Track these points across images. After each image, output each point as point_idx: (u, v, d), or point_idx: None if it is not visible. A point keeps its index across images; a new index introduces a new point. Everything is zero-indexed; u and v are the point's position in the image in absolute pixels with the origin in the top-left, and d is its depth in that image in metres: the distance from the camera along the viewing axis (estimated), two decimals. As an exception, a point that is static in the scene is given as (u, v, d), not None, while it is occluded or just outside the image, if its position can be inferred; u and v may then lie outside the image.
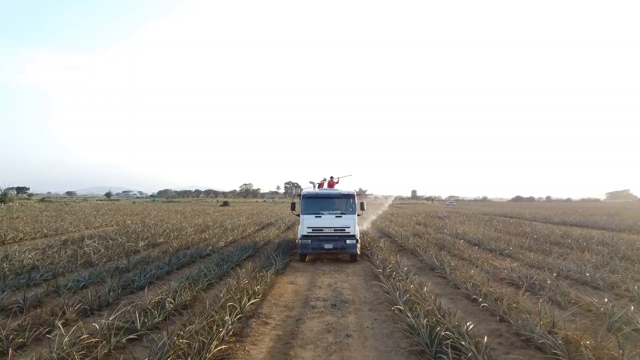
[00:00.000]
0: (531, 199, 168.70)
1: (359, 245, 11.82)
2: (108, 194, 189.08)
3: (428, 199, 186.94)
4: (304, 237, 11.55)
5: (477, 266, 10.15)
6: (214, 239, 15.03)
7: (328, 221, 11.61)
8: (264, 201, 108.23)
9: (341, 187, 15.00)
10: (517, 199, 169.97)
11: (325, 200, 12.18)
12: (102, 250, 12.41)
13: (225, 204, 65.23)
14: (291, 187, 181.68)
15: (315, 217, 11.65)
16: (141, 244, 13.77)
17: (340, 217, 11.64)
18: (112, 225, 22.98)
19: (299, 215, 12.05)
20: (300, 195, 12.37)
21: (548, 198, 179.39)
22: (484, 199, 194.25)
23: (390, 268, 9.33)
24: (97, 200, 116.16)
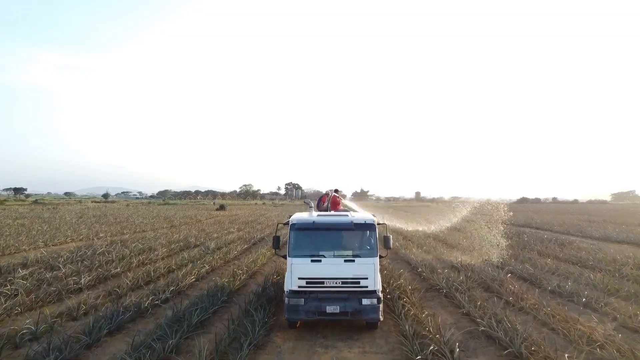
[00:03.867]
0: (537, 201, 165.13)
1: (381, 306, 7.39)
2: (105, 195, 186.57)
3: (432, 201, 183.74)
4: (294, 294, 7.35)
5: (555, 331, 6.84)
6: (185, 270, 11.57)
7: (332, 269, 7.39)
8: (263, 203, 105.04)
9: (351, 211, 11.31)
10: (523, 200, 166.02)
11: (329, 233, 7.82)
12: (21, 293, 8.99)
13: (222, 207, 61.85)
14: (292, 188, 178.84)
15: (312, 261, 7.40)
16: (85, 279, 10.40)
17: (353, 261, 7.38)
18: (79, 240, 19.67)
19: (284, 257, 7.77)
20: (288, 223, 7.96)
21: (554, 200, 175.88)
22: (488, 201, 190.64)
23: (429, 339, 6.09)
24: (92, 202, 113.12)
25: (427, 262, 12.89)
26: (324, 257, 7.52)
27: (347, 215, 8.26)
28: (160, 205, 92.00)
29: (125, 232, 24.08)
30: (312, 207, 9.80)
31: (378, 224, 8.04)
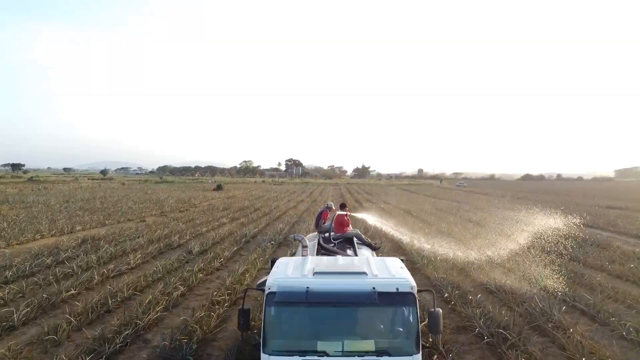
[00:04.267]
0: (541, 178, 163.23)
1: None
2: (104, 172, 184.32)
3: (434, 177, 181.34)
4: None
5: None
6: (153, 294, 9.19)
7: None
8: (263, 181, 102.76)
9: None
10: (527, 177, 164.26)
11: (334, 310, 4.56)
12: None
13: (219, 187, 59.59)
14: (292, 164, 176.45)
15: None
16: (21, 312, 8.08)
17: None
18: (50, 236, 17.40)
19: (256, 346, 5.13)
20: (263, 288, 4.79)
21: (559, 177, 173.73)
22: (492, 177, 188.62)
23: None
24: (89, 179, 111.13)
25: (450, 279, 10.47)
26: (326, 354, 4.36)
27: (364, 274, 4.76)
28: (157, 183, 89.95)
29: (107, 222, 21.85)
30: (305, 246, 6.80)
31: (419, 291, 4.71)
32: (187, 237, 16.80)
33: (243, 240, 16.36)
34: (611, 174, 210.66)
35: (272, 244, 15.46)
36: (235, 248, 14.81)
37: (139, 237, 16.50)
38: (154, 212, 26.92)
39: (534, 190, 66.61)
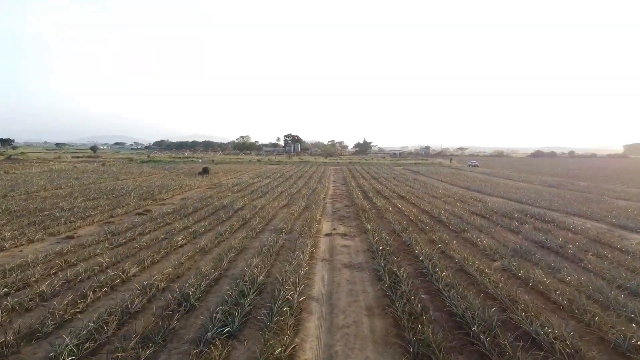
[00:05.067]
0: (553, 154, 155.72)
1: None
2: (94, 148, 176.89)
3: (440, 155, 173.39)
4: None
5: None
6: None
7: None
8: (258, 161, 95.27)
9: None
10: (538, 153, 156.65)
11: None
12: None
13: (205, 171, 52.51)
14: (292, 140, 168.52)
15: None
16: None
17: None
18: None
19: None
20: None
21: (571, 153, 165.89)
22: (500, 154, 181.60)
23: None
24: (73, 157, 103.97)
25: None
26: None
27: None
28: (144, 162, 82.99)
29: (37, 234, 14.80)
30: None
31: None
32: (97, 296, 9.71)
33: (184, 307, 9.18)
34: (620, 149, 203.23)
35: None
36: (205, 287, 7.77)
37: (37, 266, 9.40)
38: (97, 219, 19.88)
39: (559, 173, 59.43)
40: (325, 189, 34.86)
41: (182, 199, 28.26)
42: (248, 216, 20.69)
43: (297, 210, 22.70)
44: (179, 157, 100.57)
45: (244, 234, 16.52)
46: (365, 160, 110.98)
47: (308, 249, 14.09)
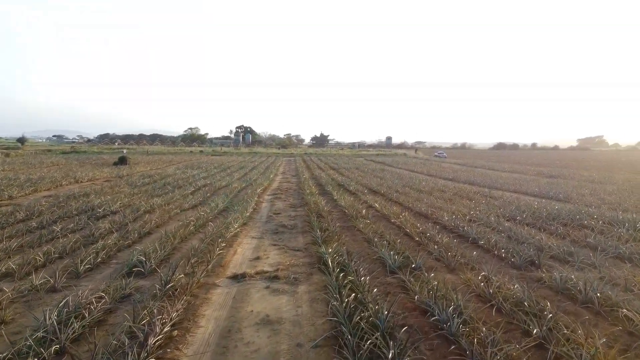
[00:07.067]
0: (515, 147, 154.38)
1: None
2: (21, 140, 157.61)
3: (401, 146, 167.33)
4: None
5: None
6: None
7: None
8: (201, 151, 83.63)
9: None
10: (500, 146, 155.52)
11: None
12: None
13: (122, 161, 41.70)
14: (243, 131, 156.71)
15: None
16: None
17: None
18: None
19: None
20: None
21: (534, 145, 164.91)
22: (463, 146, 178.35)
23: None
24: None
25: None
26: None
27: None
28: (64, 154, 70.26)
29: None
30: None
31: None
32: None
33: None
34: (575, 143, 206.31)
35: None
36: None
37: None
38: None
39: (541, 163, 52.84)
40: (268, 181, 25.32)
41: (46, 196, 18.21)
42: (104, 230, 10.90)
43: (206, 216, 13.11)
44: (108, 149, 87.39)
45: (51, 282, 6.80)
46: (322, 151, 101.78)
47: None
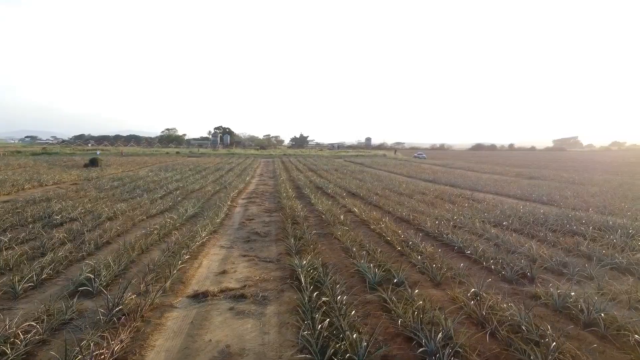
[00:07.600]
0: (493, 147, 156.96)
1: None
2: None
3: (381, 147, 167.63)
4: None
5: None
6: None
7: None
8: (177, 152, 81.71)
9: None
10: (478, 147, 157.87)
11: None
12: None
13: (92, 162, 40.07)
14: (222, 132, 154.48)
15: None
16: None
17: None
18: None
19: None
20: None
21: (511, 146, 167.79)
22: (442, 147, 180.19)
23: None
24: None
25: None
26: None
27: None
28: (34, 155, 67.51)
29: None
30: None
31: None
32: None
33: None
34: (550, 144, 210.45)
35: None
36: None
37: None
38: None
39: (518, 164, 53.16)
40: (243, 184, 24.36)
41: (4, 201, 16.87)
42: (57, 240, 9.84)
43: (173, 223, 12.14)
44: (81, 150, 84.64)
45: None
46: (301, 152, 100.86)
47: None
